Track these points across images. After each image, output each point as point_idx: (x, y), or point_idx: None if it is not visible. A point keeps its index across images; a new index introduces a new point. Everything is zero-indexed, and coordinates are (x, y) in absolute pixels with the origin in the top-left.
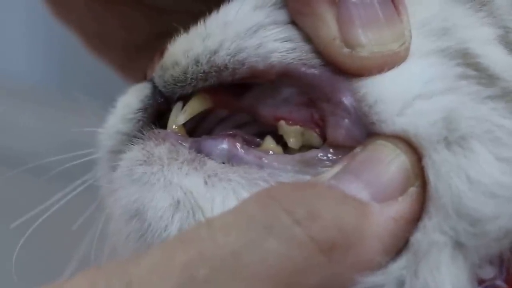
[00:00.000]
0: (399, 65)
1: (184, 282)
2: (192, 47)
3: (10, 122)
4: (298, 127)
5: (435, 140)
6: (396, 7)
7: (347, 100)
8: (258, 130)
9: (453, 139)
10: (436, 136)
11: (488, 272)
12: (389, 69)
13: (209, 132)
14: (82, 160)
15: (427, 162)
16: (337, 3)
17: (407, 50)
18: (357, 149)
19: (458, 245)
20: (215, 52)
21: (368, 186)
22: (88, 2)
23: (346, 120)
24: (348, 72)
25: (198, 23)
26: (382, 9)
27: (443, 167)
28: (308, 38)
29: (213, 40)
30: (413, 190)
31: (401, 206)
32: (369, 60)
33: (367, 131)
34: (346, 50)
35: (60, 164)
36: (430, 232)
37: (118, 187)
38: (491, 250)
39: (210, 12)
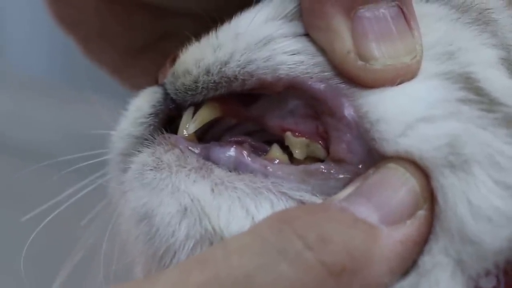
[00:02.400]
0: (411, 78)
1: None
2: (204, 57)
3: (20, 114)
4: (303, 139)
5: (441, 164)
6: (408, 23)
7: (350, 116)
8: (266, 138)
9: (457, 163)
10: (441, 160)
11: (488, 282)
12: (402, 81)
13: (219, 138)
14: (95, 158)
15: (436, 186)
16: (352, 17)
17: (419, 63)
18: (370, 171)
19: (459, 264)
20: (226, 63)
21: (378, 209)
22: (95, 3)
23: (348, 135)
24: (362, 84)
25: (211, 32)
26: (395, 24)
27: (450, 192)
28: (320, 51)
29: (224, 51)
30: (421, 214)
31: (409, 229)
32: (383, 72)
33: (369, 148)
34: (360, 63)
35: (74, 158)
36: (436, 255)
37: (128, 189)
38: (489, 265)
39: (212, 17)
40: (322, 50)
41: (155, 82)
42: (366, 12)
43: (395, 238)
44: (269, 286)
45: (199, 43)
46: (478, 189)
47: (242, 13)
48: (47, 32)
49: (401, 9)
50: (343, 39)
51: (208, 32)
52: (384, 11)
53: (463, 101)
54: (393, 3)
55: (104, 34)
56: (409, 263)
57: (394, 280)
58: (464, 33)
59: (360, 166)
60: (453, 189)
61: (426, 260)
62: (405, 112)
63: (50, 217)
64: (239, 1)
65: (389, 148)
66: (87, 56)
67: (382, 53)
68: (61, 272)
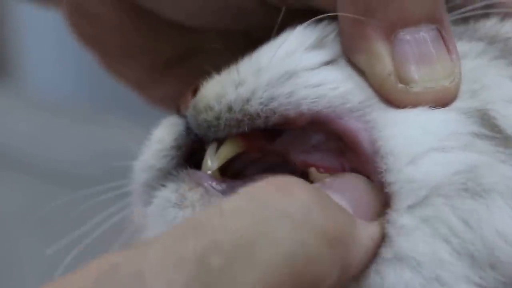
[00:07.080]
0: (450, 101)
1: (199, 271)
2: (225, 93)
3: (42, 135)
4: (328, 175)
5: (460, 189)
6: (446, 46)
7: (366, 151)
8: (290, 171)
9: (477, 191)
10: (459, 185)
11: None
12: (441, 104)
13: (242, 170)
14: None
15: (450, 211)
16: (392, 40)
17: (457, 86)
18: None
19: None
20: (248, 100)
21: (351, 205)
22: (119, 19)
23: (366, 170)
24: (401, 107)
25: (231, 67)
26: (434, 47)
27: (472, 217)
28: (344, 80)
29: (246, 88)
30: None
31: (376, 230)
32: (423, 95)
33: (380, 182)
34: (400, 85)
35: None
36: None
37: (151, 224)
38: None
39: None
40: (346, 78)
41: (176, 109)
42: (406, 35)
43: (368, 232)
44: (271, 250)
45: (219, 76)
46: (502, 216)
47: (263, 46)
48: (72, 55)
49: (440, 32)
50: (383, 62)
51: (228, 64)
52: (424, 34)
53: (477, 135)
54: (433, 26)
55: (128, 50)
56: (366, 266)
57: (357, 277)
58: (489, 69)
59: None
60: (475, 215)
61: None
62: (415, 144)
63: (75, 251)
64: (263, 17)
65: (391, 179)
66: (109, 72)
67: (422, 76)
68: None
